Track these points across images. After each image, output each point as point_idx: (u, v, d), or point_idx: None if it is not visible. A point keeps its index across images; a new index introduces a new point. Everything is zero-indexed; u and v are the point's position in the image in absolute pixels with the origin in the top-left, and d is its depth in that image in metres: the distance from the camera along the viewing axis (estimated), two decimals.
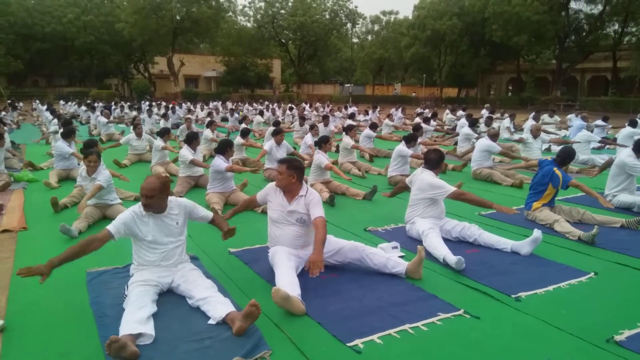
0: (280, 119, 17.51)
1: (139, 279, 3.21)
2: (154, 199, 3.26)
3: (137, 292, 3.04)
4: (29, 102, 30.08)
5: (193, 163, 6.89)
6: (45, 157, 9.78)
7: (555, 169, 5.21)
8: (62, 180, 7.47)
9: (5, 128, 10.90)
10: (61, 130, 8.40)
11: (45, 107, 19.79)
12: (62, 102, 27.98)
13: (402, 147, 7.50)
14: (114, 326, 2.79)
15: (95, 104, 22.00)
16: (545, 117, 16.67)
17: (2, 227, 5.04)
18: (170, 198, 3.44)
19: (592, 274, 3.86)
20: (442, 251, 4.05)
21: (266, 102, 26.54)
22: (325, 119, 13.16)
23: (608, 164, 6.39)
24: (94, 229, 5.07)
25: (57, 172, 7.56)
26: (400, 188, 5.55)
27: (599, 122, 13.38)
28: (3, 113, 18.56)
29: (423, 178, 4.72)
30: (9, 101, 24.66)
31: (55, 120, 11.82)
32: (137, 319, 2.79)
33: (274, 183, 3.97)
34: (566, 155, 5.46)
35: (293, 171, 3.78)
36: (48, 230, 4.99)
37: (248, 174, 8.19)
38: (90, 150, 5.45)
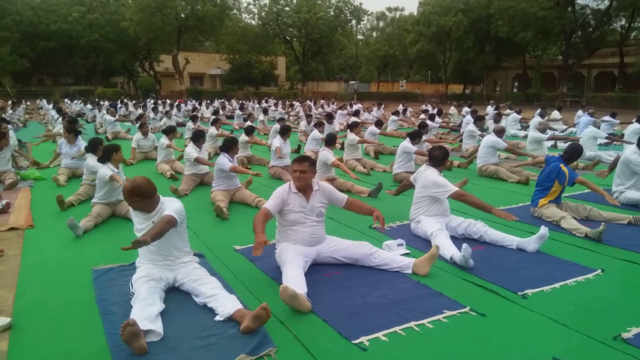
0: (284, 117, 17.56)
1: (143, 274, 3.22)
2: (132, 204, 3.32)
3: (145, 289, 3.04)
4: (34, 101, 30.21)
5: (198, 161, 6.90)
6: (52, 155, 9.80)
7: (561, 165, 5.18)
8: (68, 179, 7.50)
9: (11, 126, 10.94)
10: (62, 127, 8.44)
11: (51, 105, 19.90)
12: (67, 100, 28.09)
13: (406, 143, 7.47)
14: (120, 323, 2.78)
15: (101, 102, 22.09)
16: (554, 113, 16.58)
17: (9, 225, 5.08)
18: (164, 199, 3.42)
19: (599, 270, 3.83)
20: (451, 250, 4.04)
21: (271, 100, 26.60)
22: (329, 117, 13.13)
23: (617, 162, 6.35)
24: (101, 229, 5.10)
25: (64, 170, 7.60)
26: (405, 186, 5.54)
27: (607, 118, 13.27)
28: (10, 111, 18.65)
29: (427, 175, 4.70)
30: (15, 100, 24.80)
31: (61, 119, 11.87)
32: (146, 315, 2.80)
33: (283, 188, 3.85)
34: (573, 152, 5.42)
35: (313, 167, 3.86)
36: (54, 228, 5.02)
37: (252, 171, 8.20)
38: (117, 146, 5.55)
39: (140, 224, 3.38)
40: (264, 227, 3.54)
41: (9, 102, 23.58)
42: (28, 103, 26.43)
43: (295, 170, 3.78)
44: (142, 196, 3.26)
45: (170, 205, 3.32)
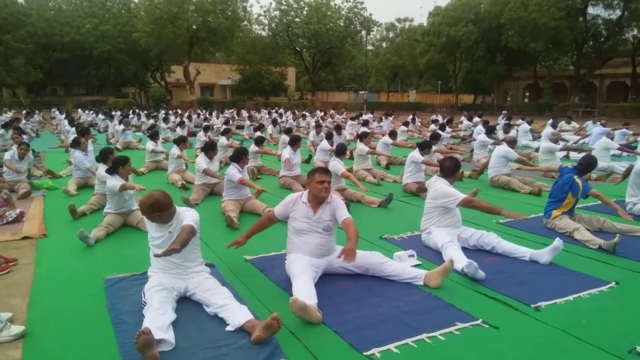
0: (294, 127, 17.62)
1: (155, 283, 3.25)
2: (152, 219, 3.39)
3: (158, 299, 3.07)
4: (47, 111, 30.60)
5: (206, 173, 6.90)
6: (65, 164, 9.93)
7: (575, 177, 5.13)
8: (80, 188, 7.57)
9: (26, 137, 11.09)
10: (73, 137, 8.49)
11: (64, 115, 20.14)
12: (80, 110, 28.41)
13: (415, 153, 7.46)
14: (132, 332, 2.79)
15: (113, 113, 22.34)
16: (562, 123, 16.47)
17: (22, 234, 5.13)
18: (180, 209, 3.48)
19: (613, 283, 3.78)
20: (462, 262, 4.00)
21: (280, 111, 26.69)
22: (337, 129, 13.13)
23: (630, 171, 6.28)
24: (113, 238, 5.13)
25: (75, 180, 7.67)
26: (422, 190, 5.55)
27: (623, 129, 13.10)
28: (23, 121, 18.90)
29: (436, 186, 4.69)
30: (28, 110, 25.15)
31: (74, 130, 12.00)
32: (159, 325, 2.82)
33: (295, 195, 3.95)
34: (587, 164, 5.39)
35: (331, 178, 3.89)
36: (67, 237, 5.05)
37: (263, 181, 8.24)
38: (125, 158, 5.52)
39: (156, 233, 3.42)
40: (253, 233, 4.12)
41: (23, 112, 23.91)
42: (42, 114, 26.69)
43: (322, 181, 3.76)
44: (162, 210, 3.33)
45: (188, 215, 3.42)
